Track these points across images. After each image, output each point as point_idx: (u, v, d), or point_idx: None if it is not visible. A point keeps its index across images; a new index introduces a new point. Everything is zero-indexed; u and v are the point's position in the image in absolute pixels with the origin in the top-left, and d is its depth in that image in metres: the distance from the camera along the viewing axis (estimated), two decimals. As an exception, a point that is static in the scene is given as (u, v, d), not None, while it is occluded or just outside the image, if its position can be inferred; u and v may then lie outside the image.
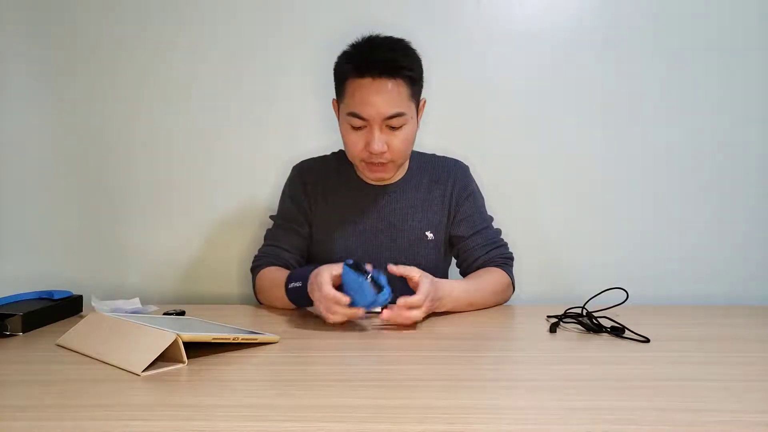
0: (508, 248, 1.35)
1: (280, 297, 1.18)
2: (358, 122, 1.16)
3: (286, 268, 1.28)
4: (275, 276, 1.23)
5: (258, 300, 1.30)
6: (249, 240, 1.56)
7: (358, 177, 1.31)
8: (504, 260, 1.32)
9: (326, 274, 1.05)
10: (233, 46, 1.56)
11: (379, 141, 1.16)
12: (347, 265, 1.05)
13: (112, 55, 1.57)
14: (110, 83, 1.58)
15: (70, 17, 1.56)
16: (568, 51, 1.53)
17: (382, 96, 1.14)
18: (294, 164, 1.36)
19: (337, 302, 1.03)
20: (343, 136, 1.22)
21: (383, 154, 1.18)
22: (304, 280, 1.12)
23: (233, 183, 1.59)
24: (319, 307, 1.06)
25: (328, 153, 1.38)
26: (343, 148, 1.27)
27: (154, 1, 1.56)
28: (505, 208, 1.56)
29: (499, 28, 1.54)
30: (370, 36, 1.18)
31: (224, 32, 1.56)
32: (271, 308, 1.24)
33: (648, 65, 1.52)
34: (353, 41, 1.19)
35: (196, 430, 0.65)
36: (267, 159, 1.55)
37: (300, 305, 1.18)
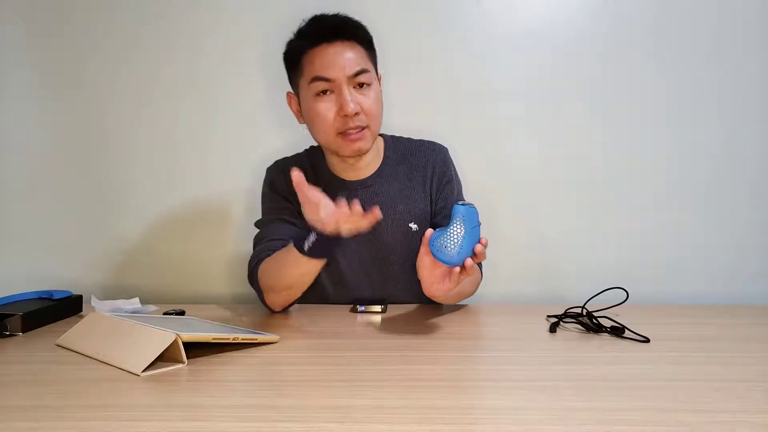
0: None
1: (292, 261, 1.05)
2: (323, 85, 1.13)
3: None
4: (276, 255, 1.13)
5: (268, 305, 1.19)
6: (250, 240, 1.56)
7: (333, 173, 1.27)
8: None
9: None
10: (225, 47, 1.56)
11: (352, 101, 1.12)
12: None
13: (112, 55, 1.57)
14: (110, 83, 1.58)
15: (70, 17, 1.57)
16: (569, 51, 1.53)
17: (342, 55, 1.13)
18: (268, 166, 1.33)
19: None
20: (311, 114, 1.16)
21: (358, 116, 1.13)
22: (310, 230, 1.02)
23: (234, 183, 1.59)
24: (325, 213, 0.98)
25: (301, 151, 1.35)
26: (312, 145, 1.22)
27: (155, 2, 1.56)
28: (505, 208, 1.56)
29: (499, 28, 1.53)
30: (312, 16, 1.19)
31: (223, 32, 1.56)
32: (270, 309, 1.22)
33: (648, 65, 1.52)
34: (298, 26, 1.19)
35: (196, 430, 0.65)
36: (268, 158, 1.55)
37: (318, 249, 1.03)
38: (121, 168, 1.60)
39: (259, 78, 1.56)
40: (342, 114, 1.13)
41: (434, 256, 0.96)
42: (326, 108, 1.14)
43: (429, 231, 0.98)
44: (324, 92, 1.14)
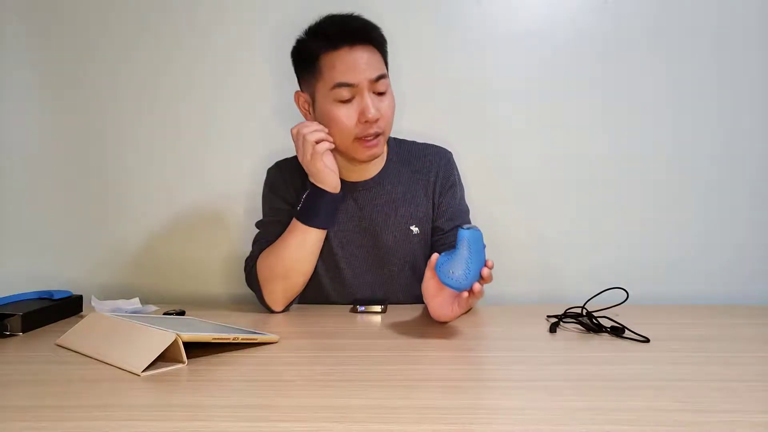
0: None
1: (289, 231, 1.17)
2: (346, 92, 1.11)
3: None
4: (274, 242, 1.20)
5: (268, 303, 1.20)
6: (250, 240, 1.56)
7: None
8: None
9: None
10: (225, 47, 1.56)
11: (373, 106, 1.12)
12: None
13: (112, 55, 1.58)
14: (110, 83, 1.58)
15: (70, 17, 1.57)
16: (568, 51, 1.53)
17: (363, 60, 1.12)
18: (269, 167, 1.33)
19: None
20: (328, 119, 1.14)
21: (378, 122, 1.13)
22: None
23: (234, 183, 1.59)
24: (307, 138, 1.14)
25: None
26: None
27: (155, 2, 1.56)
28: (505, 208, 1.56)
29: (499, 28, 1.53)
30: (327, 15, 1.16)
31: (223, 32, 1.56)
32: (269, 310, 1.22)
33: (648, 65, 1.52)
34: (309, 24, 1.17)
35: (196, 430, 0.65)
36: (268, 158, 1.55)
37: (311, 209, 1.16)
38: (121, 168, 1.60)
39: (259, 78, 1.56)
40: (363, 120, 1.12)
41: (442, 281, 0.96)
42: (347, 115, 1.13)
43: (434, 256, 0.99)
44: (346, 100, 1.12)
